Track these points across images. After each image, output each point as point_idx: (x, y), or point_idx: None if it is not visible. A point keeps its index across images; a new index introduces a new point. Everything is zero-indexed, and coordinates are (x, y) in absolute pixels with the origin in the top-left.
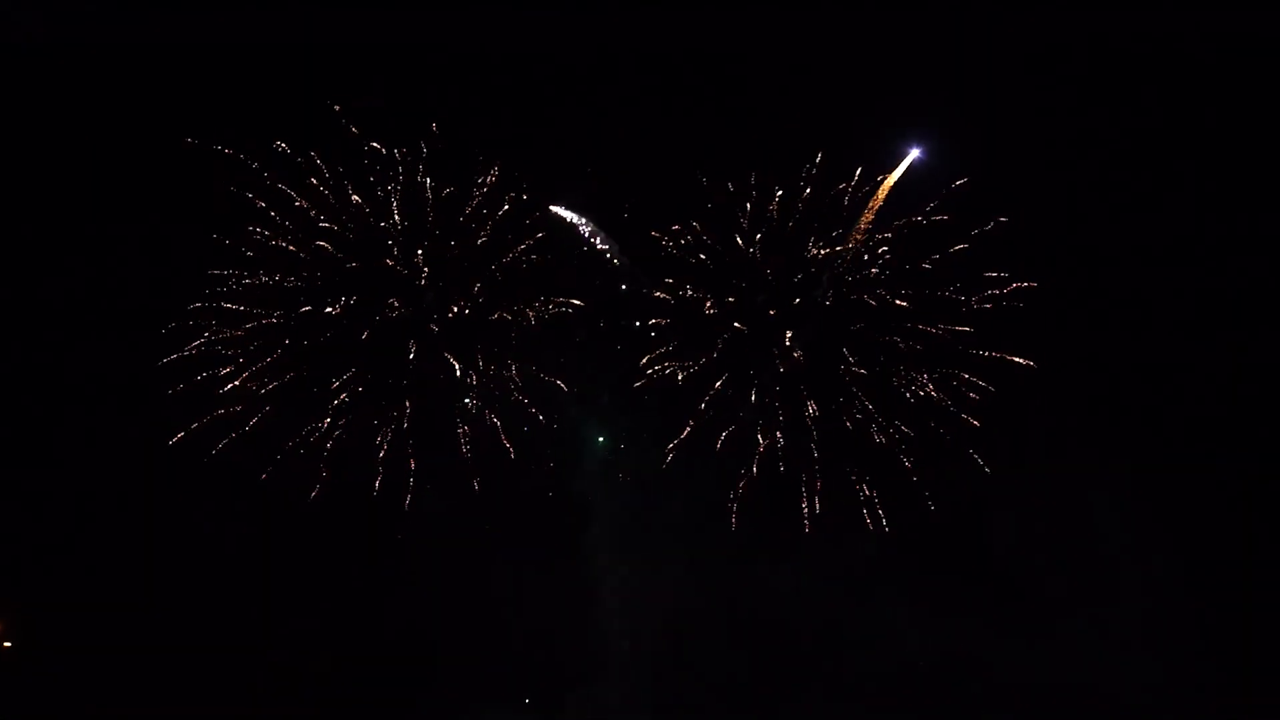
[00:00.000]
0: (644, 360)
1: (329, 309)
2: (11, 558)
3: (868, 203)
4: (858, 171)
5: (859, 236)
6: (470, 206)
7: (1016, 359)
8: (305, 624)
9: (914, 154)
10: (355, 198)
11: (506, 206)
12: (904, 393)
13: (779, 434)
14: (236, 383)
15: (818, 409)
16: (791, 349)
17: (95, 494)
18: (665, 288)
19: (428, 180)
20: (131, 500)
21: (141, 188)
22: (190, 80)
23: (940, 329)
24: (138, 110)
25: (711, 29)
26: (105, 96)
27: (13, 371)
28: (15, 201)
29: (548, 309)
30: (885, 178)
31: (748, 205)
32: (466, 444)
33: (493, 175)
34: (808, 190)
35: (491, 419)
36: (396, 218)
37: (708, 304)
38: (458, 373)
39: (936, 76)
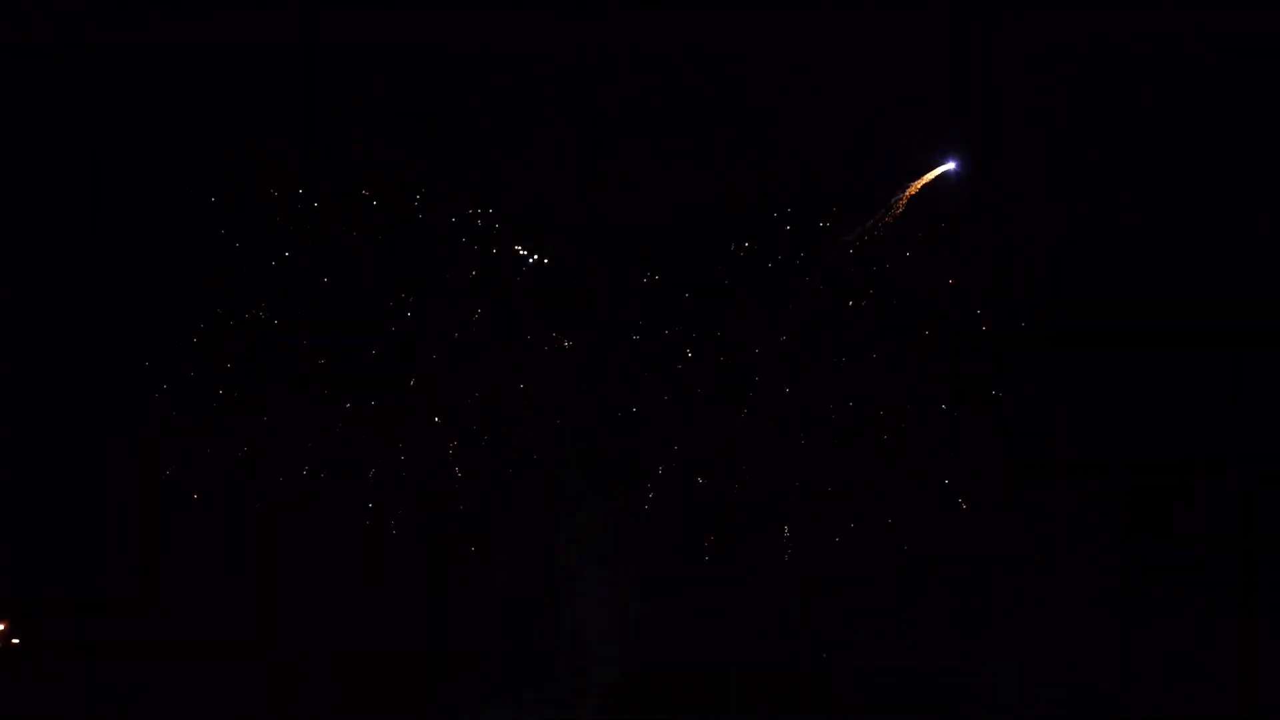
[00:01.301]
0: (628, 392)
1: (321, 351)
2: (13, 558)
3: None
4: (834, 210)
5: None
6: (465, 237)
7: (994, 390)
8: (305, 624)
9: (948, 166)
10: (354, 231)
11: (494, 233)
12: (882, 431)
13: (760, 462)
14: (235, 395)
15: (800, 440)
16: (775, 381)
17: (96, 495)
18: (647, 324)
19: (419, 215)
20: (132, 500)
21: (141, 190)
22: (190, 81)
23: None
24: (138, 111)
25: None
26: (105, 97)
27: (11, 374)
28: (13, 203)
29: (541, 344)
30: (908, 188)
31: (733, 226)
32: (460, 465)
33: (480, 215)
34: (787, 227)
35: (484, 441)
36: (390, 245)
37: (689, 343)
38: (454, 398)
39: (937, 88)
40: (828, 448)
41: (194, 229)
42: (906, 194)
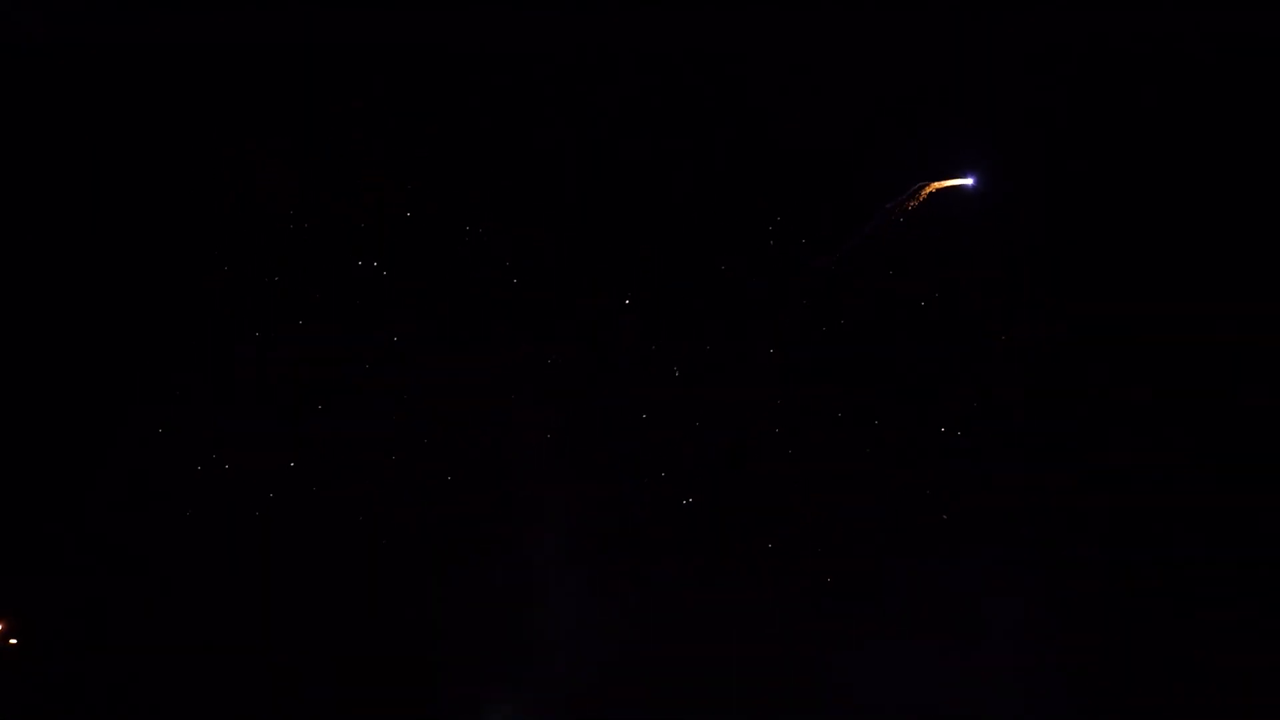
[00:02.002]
0: (626, 393)
1: (320, 350)
2: (13, 558)
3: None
4: (834, 212)
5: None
6: (464, 245)
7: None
8: (305, 624)
9: (966, 181)
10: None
11: (494, 233)
12: (881, 433)
13: (759, 463)
14: (234, 395)
15: (799, 442)
16: (774, 382)
17: (96, 495)
18: (645, 324)
19: (419, 215)
20: (131, 501)
21: (141, 190)
22: (190, 81)
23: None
24: (138, 111)
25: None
26: (105, 97)
27: (9, 374)
28: (13, 203)
29: (540, 345)
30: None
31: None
32: (458, 466)
33: (479, 215)
34: (787, 229)
35: (483, 442)
36: (390, 245)
37: (687, 344)
38: (452, 398)
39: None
40: (826, 450)
41: (193, 229)
42: (915, 199)
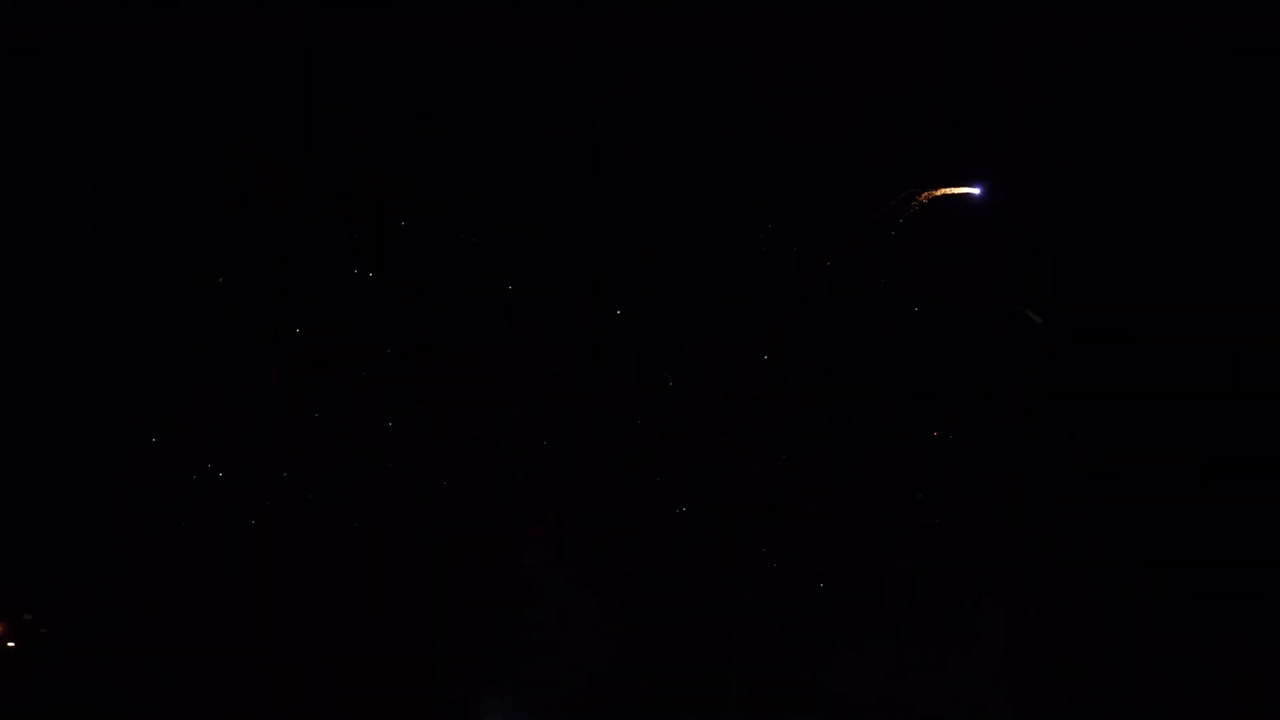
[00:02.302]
0: (627, 393)
1: (320, 351)
2: (10, 558)
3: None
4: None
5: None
6: (463, 245)
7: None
8: (305, 624)
9: (973, 191)
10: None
11: (493, 233)
12: (880, 434)
13: (757, 464)
14: (233, 395)
15: (797, 443)
16: (774, 383)
17: (94, 495)
18: (644, 325)
19: (419, 215)
20: (130, 500)
21: (141, 190)
22: (190, 81)
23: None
24: (138, 111)
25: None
26: (105, 97)
27: (8, 375)
28: (13, 203)
29: (539, 345)
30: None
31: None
32: (457, 466)
33: (479, 215)
34: (787, 229)
35: (482, 442)
36: (389, 245)
37: (686, 344)
38: (451, 398)
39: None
40: (826, 450)
41: (193, 229)
42: (915, 206)
